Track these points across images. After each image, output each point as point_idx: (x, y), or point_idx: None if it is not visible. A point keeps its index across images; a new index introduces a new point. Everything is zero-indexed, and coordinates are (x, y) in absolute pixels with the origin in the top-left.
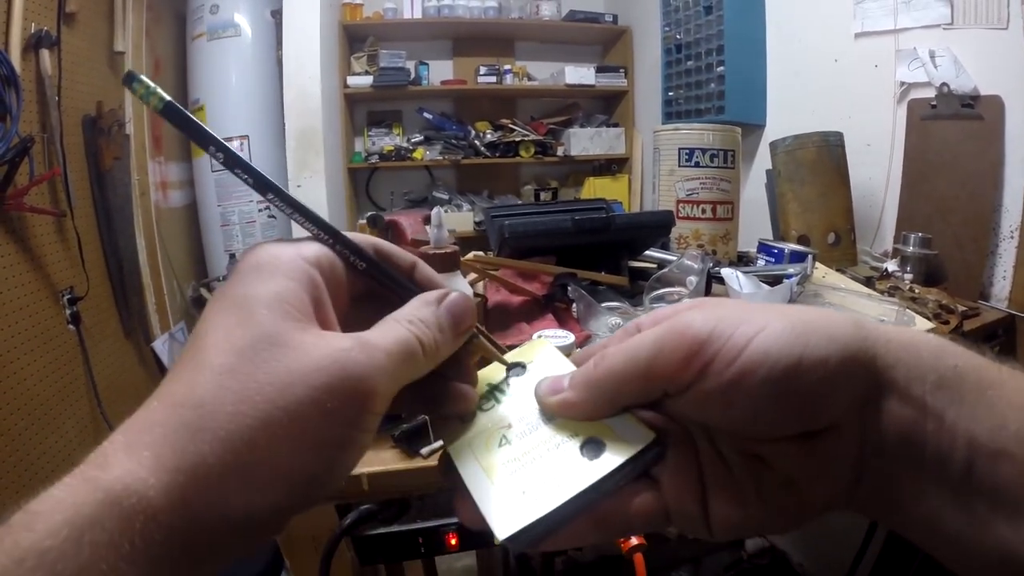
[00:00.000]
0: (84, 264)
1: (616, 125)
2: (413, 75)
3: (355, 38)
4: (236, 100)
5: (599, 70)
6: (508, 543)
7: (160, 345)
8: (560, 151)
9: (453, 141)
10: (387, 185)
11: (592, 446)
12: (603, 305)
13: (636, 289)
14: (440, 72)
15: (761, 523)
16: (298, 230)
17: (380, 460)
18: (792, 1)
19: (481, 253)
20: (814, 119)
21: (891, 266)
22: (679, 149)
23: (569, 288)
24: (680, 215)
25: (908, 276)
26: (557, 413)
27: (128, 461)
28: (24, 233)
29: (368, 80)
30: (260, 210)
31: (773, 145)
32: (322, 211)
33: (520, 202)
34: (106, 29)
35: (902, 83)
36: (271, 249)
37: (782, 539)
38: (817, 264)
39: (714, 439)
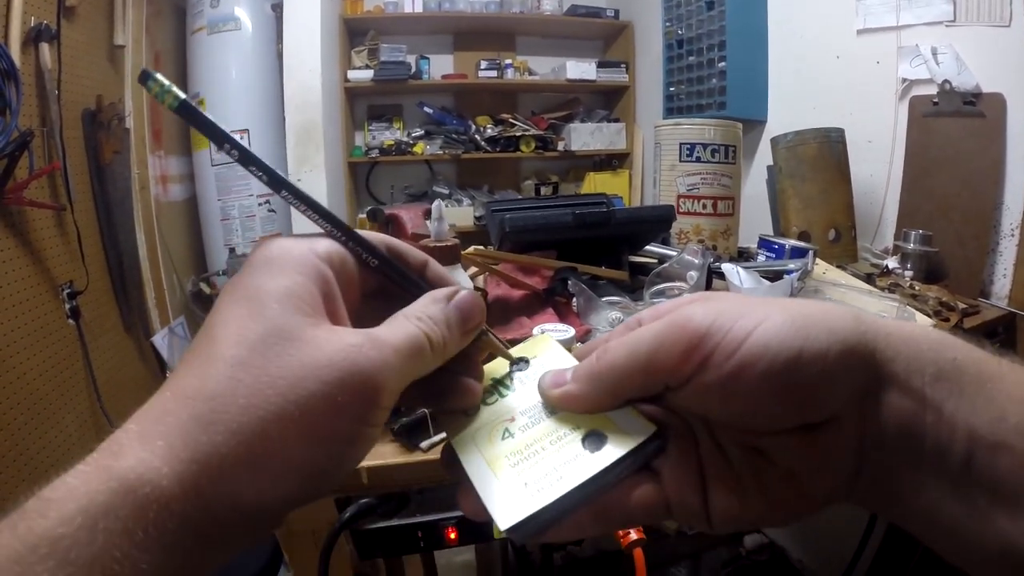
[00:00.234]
0: (84, 258)
1: (617, 120)
2: (414, 69)
3: (356, 32)
4: (236, 94)
5: (600, 65)
6: (510, 534)
7: (160, 340)
8: (561, 146)
9: (454, 136)
10: (387, 179)
11: (594, 439)
12: (603, 300)
13: (636, 284)
14: (441, 66)
15: (761, 516)
16: (299, 223)
17: (380, 454)
18: None
19: (482, 247)
20: (815, 115)
21: (892, 263)
22: (680, 144)
23: (569, 282)
24: (681, 210)
25: (908, 273)
26: (559, 406)
27: (142, 450)
28: (24, 227)
29: (369, 74)
30: (260, 204)
31: (774, 141)
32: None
33: (520, 197)
34: (106, 23)
35: (904, 80)
36: (283, 243)
37: (781, 535)
38: (818, 260)
39: (714, 432)
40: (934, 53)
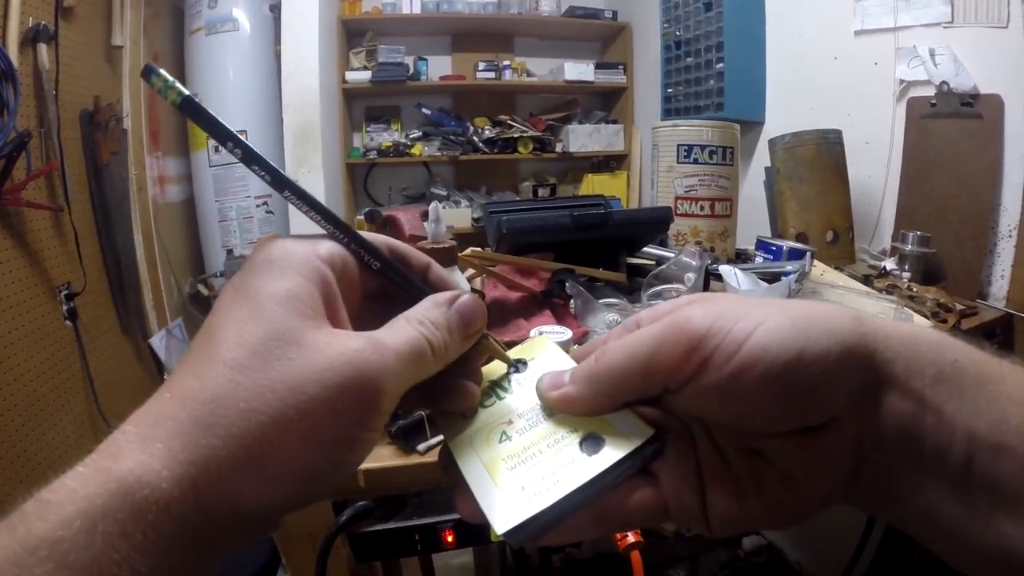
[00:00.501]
0: (81, 259)
1: (615, 122)
2: (412, 70)
3: (354, 33)
4: (234, 95)
5: (598, 66)
6: (507, 538)
7: (157, 341)
8: (559, 147)
9: (452, 137)
10: (385, 181)
11: (591, 441)
12: (601, 301)
13: (634, 286)
14: (439, 68)
15: (760, 518)
16: (297, 226)
17: (377, 457)
18: None
19: (479, 249)
20: (813, 116)
21: (889, 264)
22: (678, 146)
23: (567, 284)
24: (678, 212)
25: (906, 274)
26: (557, 408)
27: (141, 453)
28: (21, 228)
29: (367, 75)
30: (258, 206)
31: (772, 142)
32: None
33: (518, 198)
34: (104, 24)
35: (902, 81)
36: (285, 244)
37: (779, 536)
38: (815, 262)
39: (713, 434)
40: (932, 54)
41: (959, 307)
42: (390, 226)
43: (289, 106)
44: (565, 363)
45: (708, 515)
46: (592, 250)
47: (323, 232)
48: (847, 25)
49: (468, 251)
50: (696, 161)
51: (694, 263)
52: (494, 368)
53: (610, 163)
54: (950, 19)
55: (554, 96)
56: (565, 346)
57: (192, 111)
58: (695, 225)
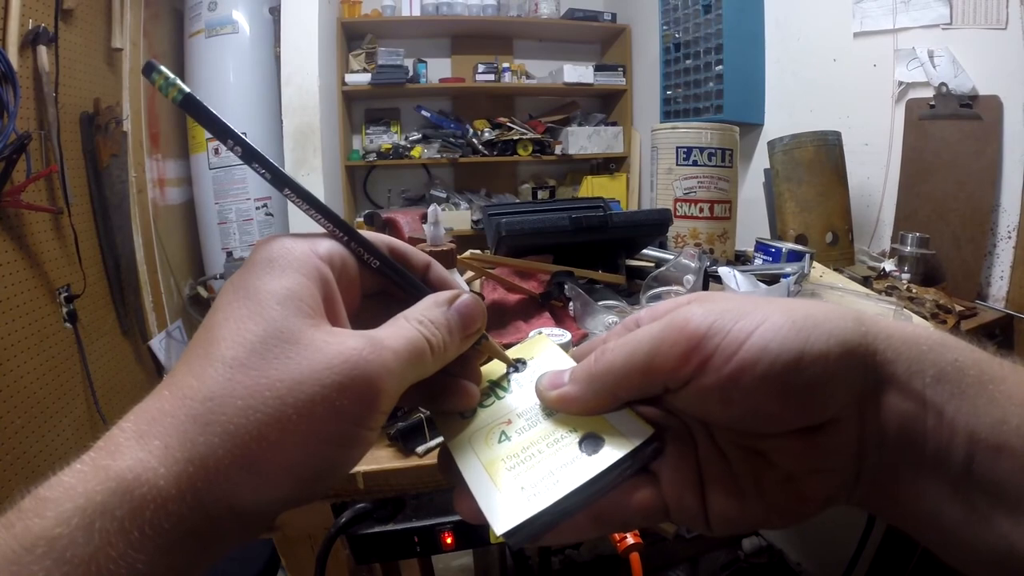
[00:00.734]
0: (81, 261)
1: (614, 124)
2: (411, 73)
3: (353, 35)
4: (234, 97)
5: (597, 68)
6: (507, 538)
7: (157, 343)
8: (558, 150)
9: (451, 139)
10: (385, 183)
11: (591, 441)
12: (600, 304)
13: (633, 288)
14: (438, 70)
15: (760, 518)
16: (296, 227)
17: (376, 459)
18: (791, 0)
19: (478, 252)
20: (812, 118)
21: (889, 266)
22: (677, 148)
23: (566, 286)
24: (678, 214)
25: (906, 276)
26: (557, 407)
27: (139, 450)
28: (21, 230)
29: (366, 78)
30: (258, 208)
31: (771, 144)
32: None
33: (518, 200)
34: (104, 26)
35: (901, 83)
36: (285, 243)
37: (779, 537)
38: (815, 263)
39: (714, 434)
40: (931, 56)
41: (958, 308)
42: (389, 228)
43: (289, 108)
44: (564, 362)
45: (708, 515)
46: (591, 252)
47: (323, 231)
48: (846, 27)
49: (467, 253)
50: (695, 163)
51: (693, 265)
52: (493, 368)
53: (609, 165)
54: (949, 21)
55: (553, 98)
56: (564, 348)
57: (193, 108)
58: (694, 227)
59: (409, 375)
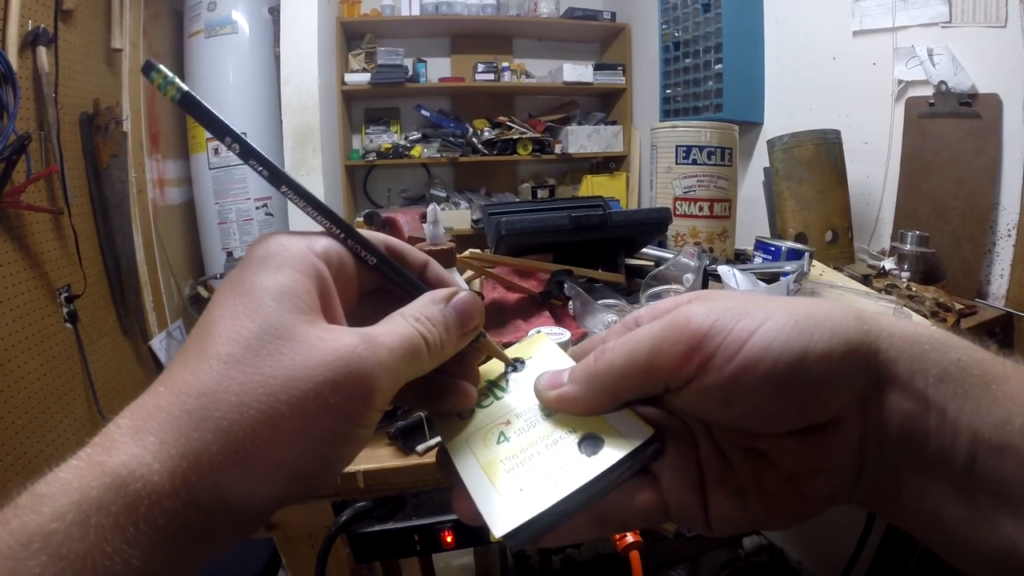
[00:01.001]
0: (81, 262)
1: (614, 123)
2: (411, 72)
3: (353, 35)
4: (233, 97)
5: (597, 68)
6: (505, 540)
7: (158, 343)
8: (558, 149)
9: (451, 139)
10: (385, 183)
11: (590, 442)
12: (599, 303)
13: (633, 287)
14: (438, 69)
15: (762, 519)
16: (296, 226)
17: (376, 457)
18: None
19: (478, 251)
20: (812, 117)
21: (888, 264)
22: (676, 147)
23: (566, 285)
24: (677, 213)
25: (905, 274)
26: (556, 407)
27: (134, 446)
28: (21, 231)
29: (366, 77)
30: (257, 208)
31: (771, 143)
32: None
33: (517, 200)
34: (103, 26)
35: (900, 81)
36: (282, 240)
37: (780, 536)
38: (814, 262)
39: (714, 434)
40: (930, 54)
41: (958, 306)
42: (389, 228)
43: (288, 108)
44: (563, 362)
45: (709, 516)
46: (591, 251)
47: (321, 229)
48: (845, 25)
49: (467, 252)
50: (695, 162)
51: (693, 264)
52: (491, 368)
53: (609, 164)
54: (948, 19)
55: (553, 97)
56: (564, 347)
57: (191, 107)
58: (694, 226)
59: (404, 372)
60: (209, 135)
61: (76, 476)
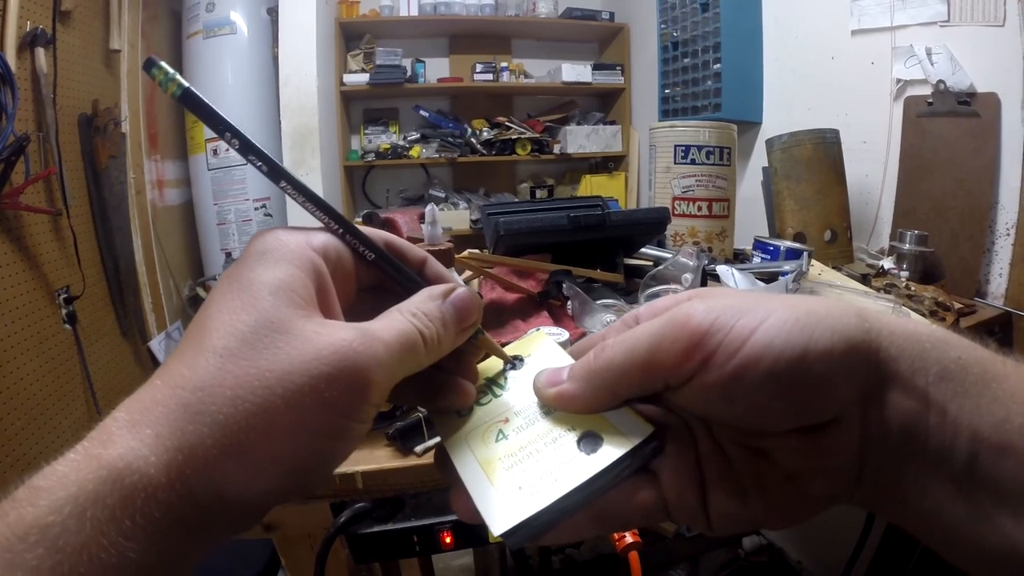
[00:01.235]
0: (80, 263)
1: (613, 123)
2: (409, 73)
3: (351, 35)
4: (232, 98)
5: (596, 68)
6: (505, 539)
7: (157, 344)
8: (557, 149)
9: (449, 139)
10: (383, 183)
11: (590, 440)
12: (598, 302)
13: (631, 286)
14: (436, 70)
15: (762, 518)
16: (295, 224)
17: (374, 458)
18: None
19: (476, 251)
20: (810, 116)
21: (887, 263)
22: (675, 146)
23: (564, 285)
24: (676, 212)
25: (904, 273)
26: (555, 405)
27: (131, 439)
28: (20, 232)
29: (364, 78)
30: (256, 209)
31: (769, 142)
32: None
33: (516, 200)
34: (102, 27)
35: (898, 80)
36: (280, 235)
37: (779, 536)
38: (813, 261)
39: (714, 432)
40: (928, 53)
41: (957, 306)
42: (388, 228)
43: (287, 109)
44: (562, 359)
45: (709, 514)
46: (590, 251)
47: (319, 224)
48: (844, 25)
49: (466, 253)
50: (693, 162)
51: (691, 263)
52: (490, 365)
53: (608, 164)
54: (946, 18)
55: (552, 97)
56: (562, 347)
57: (192, 103)
58: (692, 225)
59: (401, 368)
60: (209, 134)
61: (73, 469)
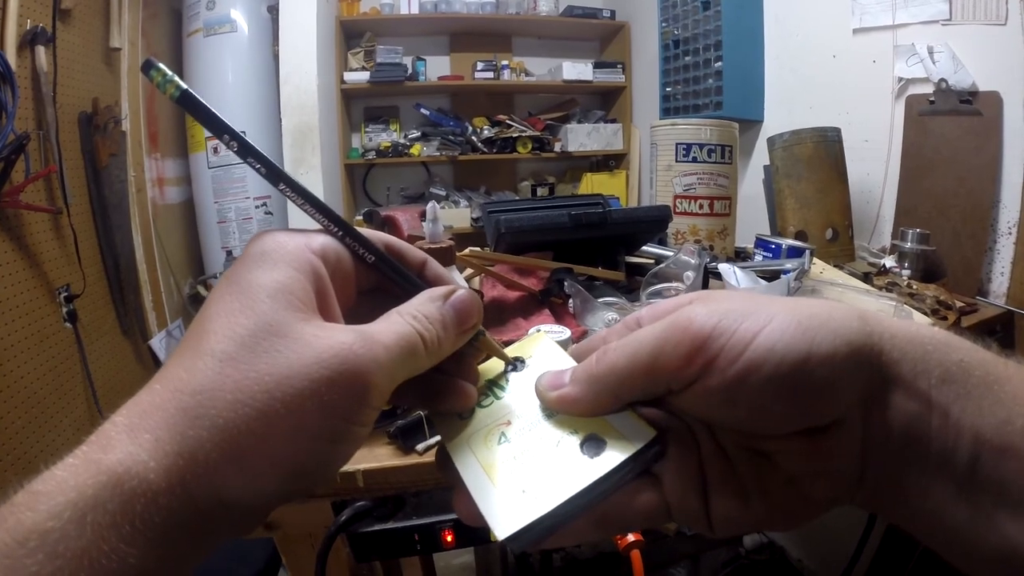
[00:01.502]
0: (80, 261)
1: (614, 121)
2: (410, 71)
3: (352, 33)
4: (232, 96)
5: (597, 66)
6: (508, 543)
7: (157, 343)
8: (557, 147)
9: (450, 137)
10: (384, 181)
11: (592, 443)
12: (599, 300)
13: (633, 284)
14: (437, 68)
15: (763, 520)
16: (296, 224)
17: (375, 457)
18: None
19: (478, 249)
20: (812, 115)
21: (889, 262)
22: (676, 144)
23: (565, 283)
24: (677, 210)
25: (906, 272)
26: (557, 408)
27: (130, 444)
28: (20, 231)
29: (365, 76)
30: (257, 207)
31: (771, 141)
32: None
33: (517, 198)
34: (102, 25)
35: (900, 79)
36: (279, 237)
37: (780, 535)
38: (815, 260)
39: (717, 435)
40: (930, 52)
41: (959, 304)
42: (389, 226)
43: (287, 107)
44: (563, 361)
45: (711, 517)
46: (591, 249)
47: (319, 226)
48: (845, 23)
49: (467, 251)
50: (695, 160)
51: (693, 261)
52: (491, 366)
53: (609, 162)
54: (948, 16)
55: (553, 96)
56: (564, 345)
57: (190, 104)
58: (694, 224)
59: (401, 370)
60: (208, 133)
61: (72, 474)
